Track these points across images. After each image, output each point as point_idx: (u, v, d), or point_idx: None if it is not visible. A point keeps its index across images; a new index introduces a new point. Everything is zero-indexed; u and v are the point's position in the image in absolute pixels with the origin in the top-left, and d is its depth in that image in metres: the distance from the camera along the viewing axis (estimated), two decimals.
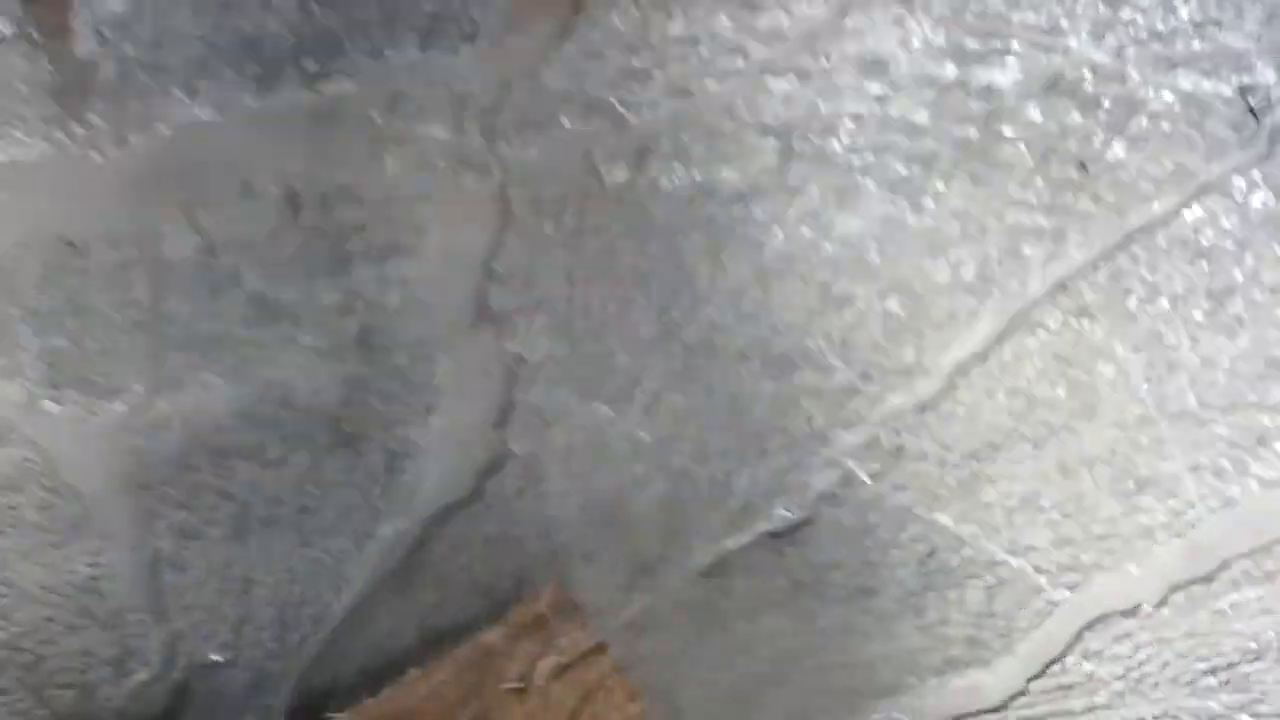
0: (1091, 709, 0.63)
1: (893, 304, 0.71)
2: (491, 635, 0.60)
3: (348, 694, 0.58)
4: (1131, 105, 0.62)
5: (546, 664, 0.60)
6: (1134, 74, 0.61)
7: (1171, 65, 0.60)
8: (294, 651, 0.58)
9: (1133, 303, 0.69)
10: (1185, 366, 0.70)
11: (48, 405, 0.60)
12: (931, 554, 0.66)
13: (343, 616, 0.60)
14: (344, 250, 0.67)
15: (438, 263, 0.68)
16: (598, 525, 0.66)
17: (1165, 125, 0.62)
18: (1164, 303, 0.69)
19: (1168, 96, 0.61)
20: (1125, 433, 0.69)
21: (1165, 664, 0.66)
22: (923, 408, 0.70)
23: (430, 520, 0.63)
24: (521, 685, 0.59)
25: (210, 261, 0.64)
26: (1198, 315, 0.68)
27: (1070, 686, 0.64)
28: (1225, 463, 0.70)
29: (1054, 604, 0.66)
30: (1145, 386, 0.70)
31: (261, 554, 0.63)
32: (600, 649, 0.60)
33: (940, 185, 0.64)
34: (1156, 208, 0.65)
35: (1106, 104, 0.61)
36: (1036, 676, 0.64)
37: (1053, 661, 0.65)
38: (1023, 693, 0.63)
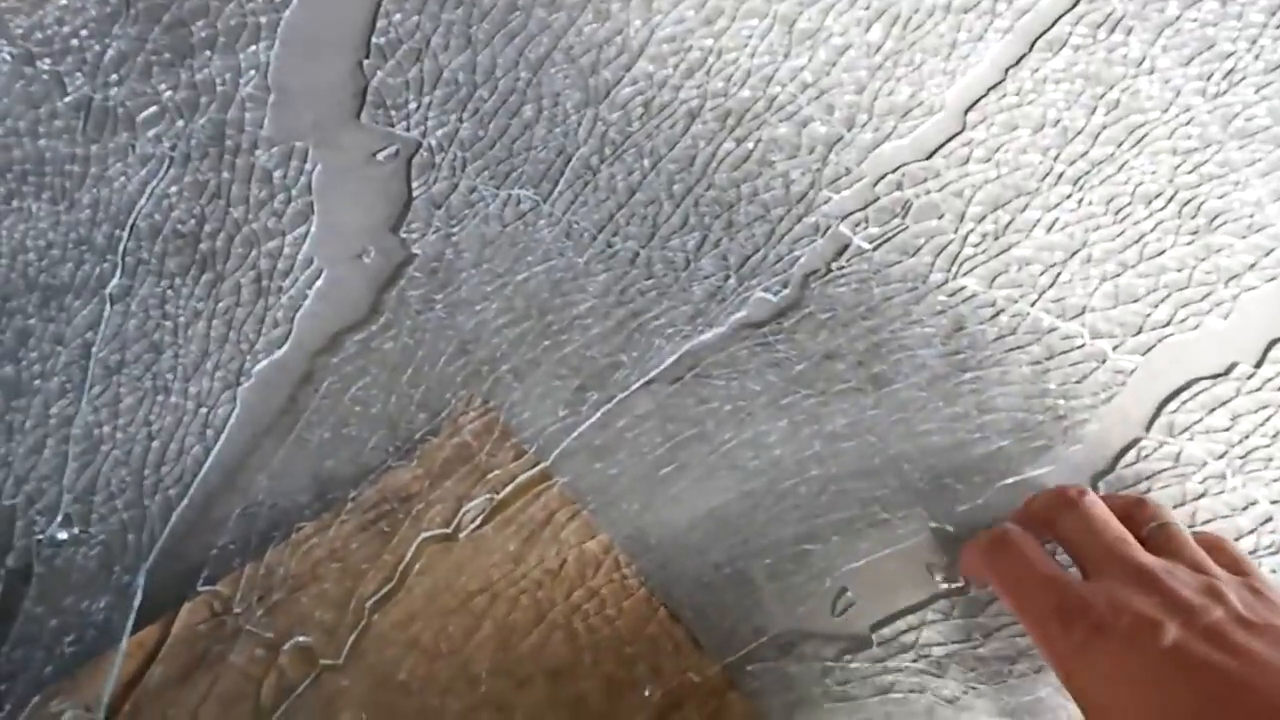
0: (1184, 500, 0.47)
1: (876, 34, 0.57)
2: (403, 475, 0.44)
3: (223, 563, 0.42)
4: None
5: (476, 504, 0.44)
6: None
7: None
8: (156, 519, 0.43)
9: (1172, 7, 0.55)
10: (1249, 76, 0.56)
11: None
12: (959, 328, 0.51)
13: (214, 473, 0.44)
14: (186, 39, 0.54)
15: (302, 42, 0.55)
16: (528, 332, 0.51)
17: None
18: (1212, 3, 0.55)
19: None
20: (1185, 159, 0.54)
21: (1276, 434, 0.50)
22: (929, 152, 0.55)
23: (318, 350, 0.49)
24: (448, 531, 0.43)
25: (25, 71, 0.55)
26: (1256, 15, 0.55)
27: (1154, 475, 0.49)
28: None
29: (1123, 374, 0.51)
30: (1201, 103, 0.55)
31: (108, 407, 0.48)
32: (544, 479, 0.45)
33: None
34: None
35: None
36: (1106, 472, 0.49)
37: (1128, 446, 0.50)
38: (1092, 489, 0.47)
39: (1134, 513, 0.51)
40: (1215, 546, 0.49)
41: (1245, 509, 0.57)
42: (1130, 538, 0.46)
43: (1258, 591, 0.40)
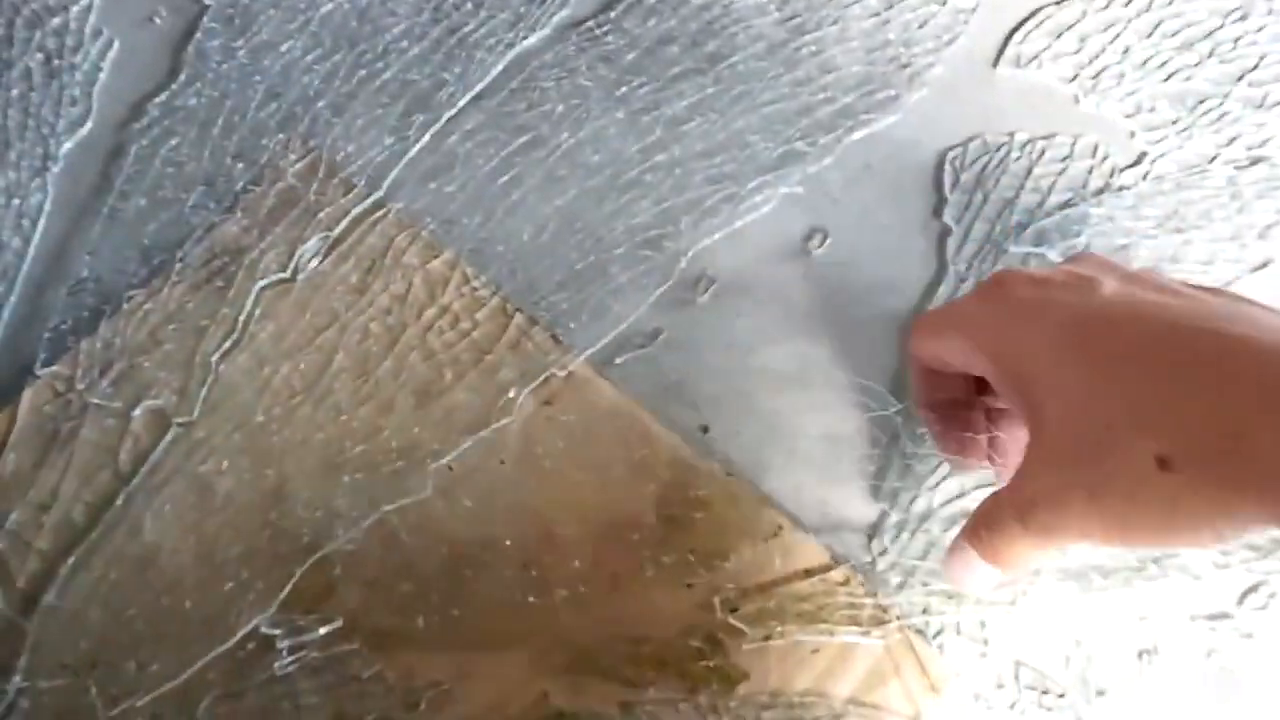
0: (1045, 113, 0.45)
1: None
2: (230, 229, 0.41)
3: (58, 344, 0.39)
4: None
5: (311, 245, 0.41)
6: None
7: None
8: None
9: None
10: None
11: None
12: None
13: (37, 264, 0.41)
14: None
15: None
16: (340, 65, 0.47)
17: None
18: None
19: None
20: None
21: (1125, 50, 0.48)
22: None
23: (122, 122, 0.45)
24: (285, 276, 0.40)
25: None
26: None
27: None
28: None
29: (965, 13, 0.48)
30: None
31: None
32: (377, 208, 0.42)
33: None
34: None
35: None
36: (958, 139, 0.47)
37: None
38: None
39: None
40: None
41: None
42: None
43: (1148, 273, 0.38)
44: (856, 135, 0.55)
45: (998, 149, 0.56)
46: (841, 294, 0.53)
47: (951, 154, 0.56)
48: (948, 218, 0.54)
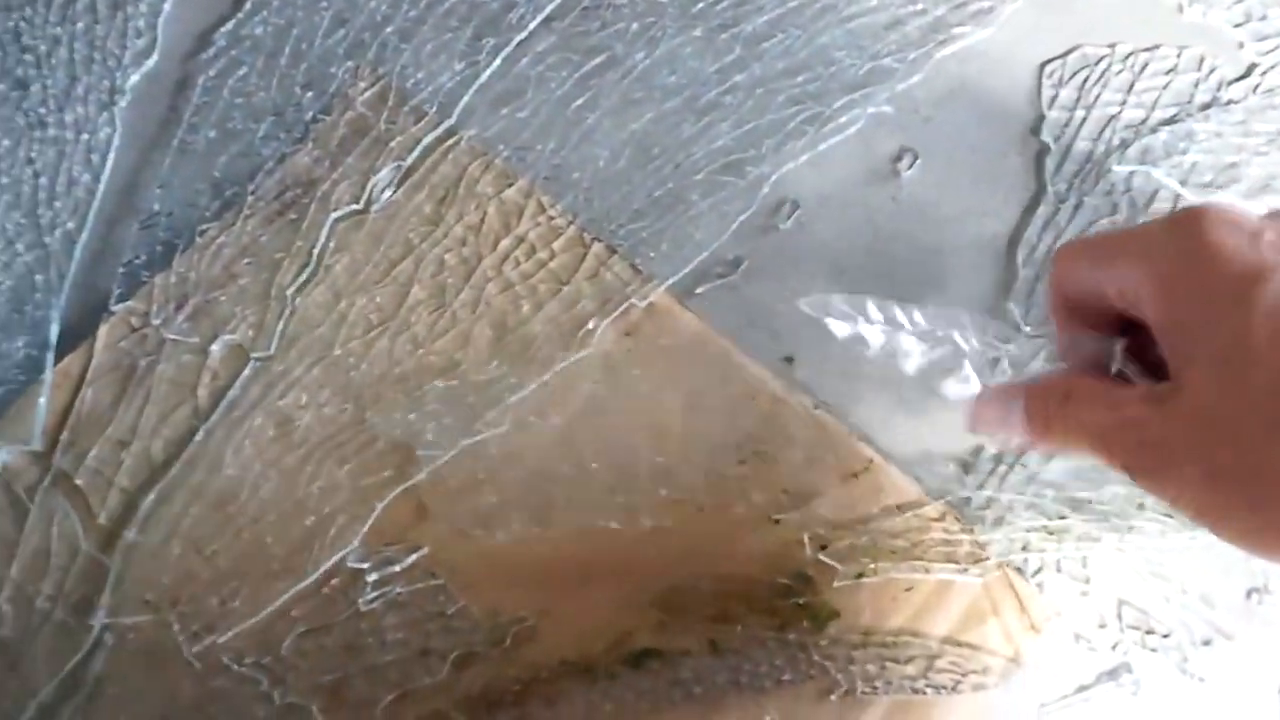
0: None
1: None
2: (302, 160, 0.39)
3: (133, 279, 0.38)
4: None
5: (384, 175, 0.39)
6: None
7: None
8: (60, 255, 0.38)
9: None
10: None
11: None
12: None
13: (109, 198, 0.40)
14: None
15: None
16: None
17: None
18: None
19: None
20: None
21: None
22: None
23: (188, 53, 0.44)
24: (359, 208, 0.38)
25: None
26: None
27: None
28: None
29: None
30: None
31: None
32: (449, 136, 0.40)
33: None
34: None
35: None
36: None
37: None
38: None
39: None
40: None
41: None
42: None
43: None
44: (948, 50, 0.52)
45: (1098, 62, 0.53)
46: (933, 218, 0.51)
47: (1049, 68, 0.53)
48: (1046, 135, 0.51)
